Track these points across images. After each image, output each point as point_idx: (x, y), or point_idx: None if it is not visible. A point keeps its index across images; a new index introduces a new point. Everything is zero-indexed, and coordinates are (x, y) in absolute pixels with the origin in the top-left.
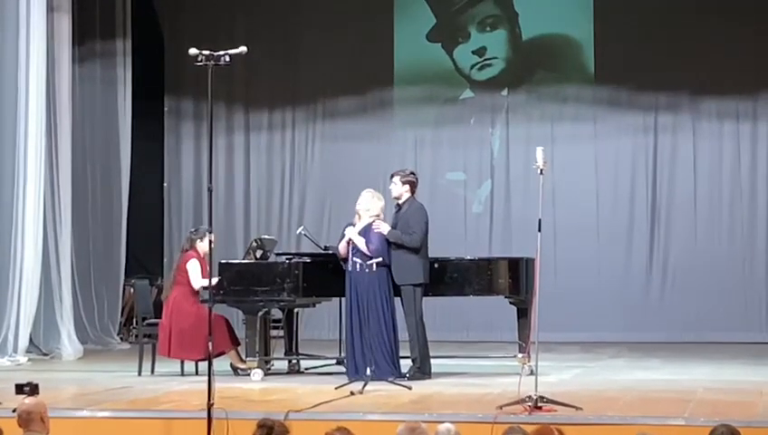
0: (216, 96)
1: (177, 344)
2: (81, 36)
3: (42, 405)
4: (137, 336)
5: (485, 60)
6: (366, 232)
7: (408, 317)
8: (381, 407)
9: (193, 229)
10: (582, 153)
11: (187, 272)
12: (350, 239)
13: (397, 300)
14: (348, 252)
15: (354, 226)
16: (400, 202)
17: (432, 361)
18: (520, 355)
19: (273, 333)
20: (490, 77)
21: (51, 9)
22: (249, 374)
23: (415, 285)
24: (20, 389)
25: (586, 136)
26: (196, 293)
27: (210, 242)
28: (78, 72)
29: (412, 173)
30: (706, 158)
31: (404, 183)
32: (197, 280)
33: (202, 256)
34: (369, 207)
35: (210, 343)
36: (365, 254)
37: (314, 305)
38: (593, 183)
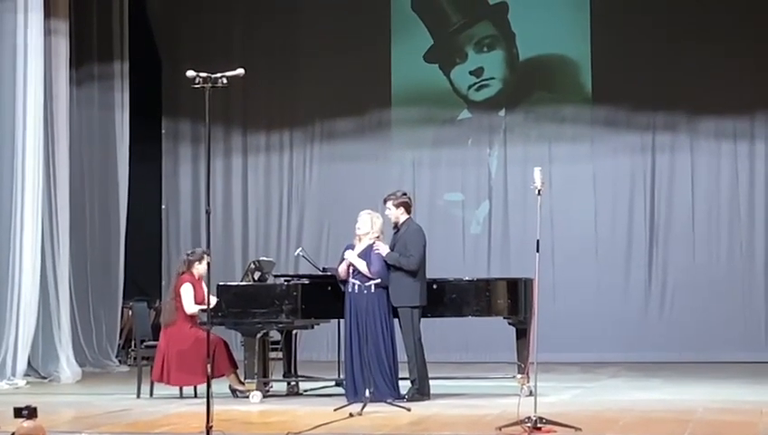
0: (214, 118)
1: (177, 369)
2: (78, 59)
3: (40, 429)
4: (135, 359)
5: (483, 80)
6: (367, 254)
7: (406, 339)
8: (380, 428)
9: (189, 251)
10: (580, 173)
11: (180, 297)
12: (349, 264)
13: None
14: (348, 274)
15: (353, 248)
16: (398, 224)
17: (431, 382)
18: (519, 376)
19: (272, 354)
20: (487, 97)
21: (48, 32)
22: (248, 396)
23: (413, 307)
24: (18, 412)
25: (584, 156)
26: (193, 316)
27: (208, 264)
28: (75, 95)
29: (404, 194)
30: (704, 177)
31: (398, 206)
32: (190, 306)
33: (197, 278)
34: (369, 230)
35: (209, 366)
36: (365, 275)
37: (313, 327)
38: (591, 203)
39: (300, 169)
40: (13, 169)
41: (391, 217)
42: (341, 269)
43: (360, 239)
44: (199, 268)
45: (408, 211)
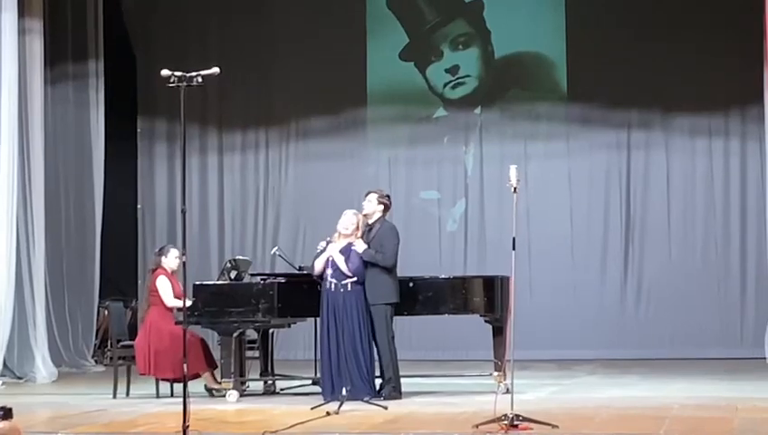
0: (189, 117)
1: (155, 365)
2: (53, 58)
3: (16, 429)
4: (111, 358)
5: (458, 78)
6: (345, 251)
7: (380, 337)
8: (357, 427)
9: (157, 249)
10: (556, 171)
11: (157, 291)
12: (328, 257)
13: None
14: (324, 269)
15: (333, 243)
16: (370, 222)
17: (407, 380)
18: (495, 373)
19: (249, 353)
20: (463, 95)
21: (22, 32)
22: (224, 395)
23: (387, 304)
24: None
25: (559, 153)
26: (171, 310)
27: (181, 259)
28: (50, 94)
29: (388, 196)
30: (679, 174)
31: (379, 203)
32: (169, 299)
33: (170, 272)
34: (353, 230)
35: (185, 365)
36: (342, 273)
37: (289, 326)
38: (567, 200)
39: (276, 168)
40: None
41: (367, 209)
42: (318, 263)
43: (339, 237)
44: (168, 262)
45: (385, 212)
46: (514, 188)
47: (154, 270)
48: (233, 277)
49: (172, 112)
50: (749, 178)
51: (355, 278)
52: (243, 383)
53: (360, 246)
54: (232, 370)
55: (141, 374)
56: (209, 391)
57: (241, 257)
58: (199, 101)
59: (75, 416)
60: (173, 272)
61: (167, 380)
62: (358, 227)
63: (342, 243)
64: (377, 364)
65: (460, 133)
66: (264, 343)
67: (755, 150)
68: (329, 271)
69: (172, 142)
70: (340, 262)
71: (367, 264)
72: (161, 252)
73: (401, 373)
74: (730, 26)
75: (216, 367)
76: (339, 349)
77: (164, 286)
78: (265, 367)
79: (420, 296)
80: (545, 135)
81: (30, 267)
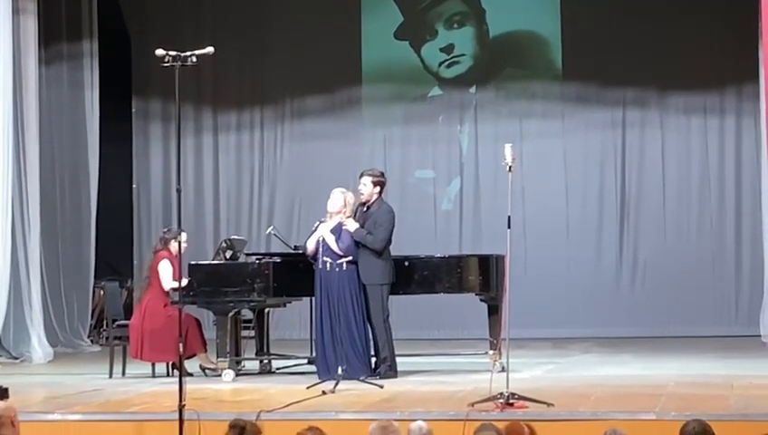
0: (184, 97)
1: (149, 346)
2: (47, 38)
3: (12, 409)
4: (107, 338)
5: (453, 57)
6: (336, 230)
7: (375, 317)
8: (353, 406)
9: (165, 229)
10: (551, 150)
11: (158, 273)
12: (320, 237)
13: None
14: (317, 250)
15: (325, 223)
16: (369, 202)
17: (403, 359)
18: (491, 352)
19: (244, 333)
20: (458, 74)
21: (16, 11)
22: (220, 375)
23: (382, 284)
24: None
25: (554, 132)
26: (168, 294)
27: (180, 243)
28: (45, 75)
29: (382, 174)
30: (675, 153)
31: (375, 184)
32: (168, 281)
33: (174, 255)
34: (341, 208)
35: (181, 345)
36: (335, 253)
37: (285, 305)
38: (562, 179)
39: (270, 148)
40: None
41: (365, 192)
42: (310, 242)
43: (331, 217)
44: (175, 245)
45: (382, 192)
46: (509, 167)
47: (159, 250)
48: (228, 257)
49: (167, 92)
50: (744, 156)
51: (349, 257)
52: (238, 363)
53: (351, 225)
54: (228, 349)
55: (134, 358)
56: (203, 370)
57: (236, 237)
58: (194, 80)
59: (71, 396)
60: (176, 254)
61: (162, 361)
62: (345, 205)
63: (334, 222)
64: (372, 343)
65: (455, 112)
66: (260, 323)
67: (750, 128)
68: (321, 251)
69: (167, 122)
70: (331, 241)
71: (358, 243)
72: (171, 233)
73: (397, 352)
74: (726, 3)
75: (207, 350)
76: (334, 328)
77: (165, 271)
78: (261, 346)
79: (416, 275)
80: (540, 114)
81: (25, 247)
